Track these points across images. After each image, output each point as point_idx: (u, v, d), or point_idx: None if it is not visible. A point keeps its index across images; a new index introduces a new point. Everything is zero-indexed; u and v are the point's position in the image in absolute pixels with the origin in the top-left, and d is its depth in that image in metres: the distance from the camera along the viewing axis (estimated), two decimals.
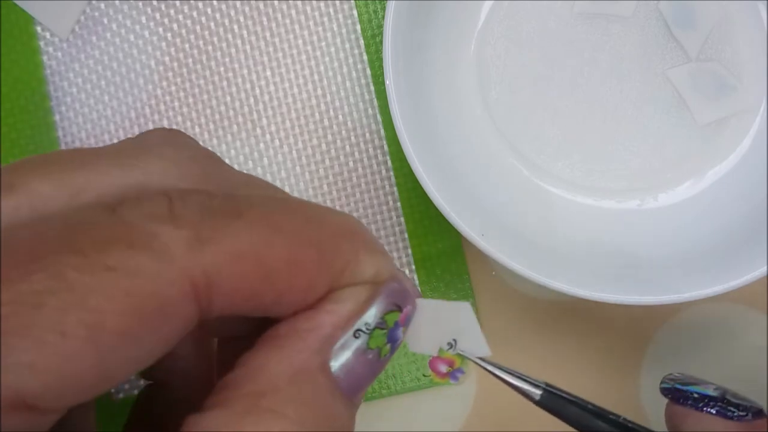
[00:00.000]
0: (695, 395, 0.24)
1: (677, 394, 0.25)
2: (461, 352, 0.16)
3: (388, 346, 0.15)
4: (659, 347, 0.34)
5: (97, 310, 0.11)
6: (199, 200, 0.13)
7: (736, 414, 0.24)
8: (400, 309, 0.15)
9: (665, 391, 0.26)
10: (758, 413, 0.24)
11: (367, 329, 0.14)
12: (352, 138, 0.34)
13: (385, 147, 0.33)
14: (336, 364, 0.14)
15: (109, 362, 0.11)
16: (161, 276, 0.12)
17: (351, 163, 0.33)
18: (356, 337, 0.14)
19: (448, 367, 0.17)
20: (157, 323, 0.12)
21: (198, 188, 0.14)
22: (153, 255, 0.12)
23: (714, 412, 0.24)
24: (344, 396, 0.14)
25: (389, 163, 0.33)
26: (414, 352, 0.18)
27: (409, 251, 0.33)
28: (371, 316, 0.14)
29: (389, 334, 0.15)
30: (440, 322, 0.16)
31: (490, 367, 0.19)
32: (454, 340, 0.16)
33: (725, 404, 0.24)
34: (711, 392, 0.24)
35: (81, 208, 0.13)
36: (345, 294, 0.14)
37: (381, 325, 0.15)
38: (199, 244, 0.12)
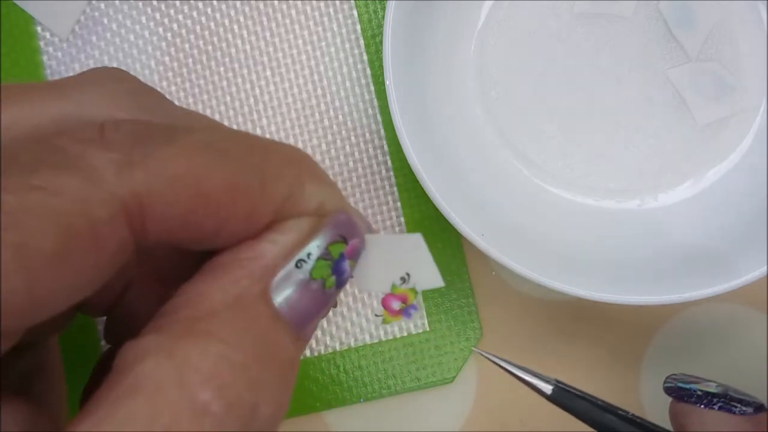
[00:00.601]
0: (699, 393, 0.25)
1: (681, 392, 0.25)
2: (416, 286, 0.16)
3: (333, 278, 0.14)
4: (659, 347, 0.34)
5: (21, 229, 0.11)
6: (133, 126, 0.13)
7: (738, 409, 0.24)
8: (345, 241, 0.15)
9: (669, 391, 0.26)
10: (759, 408, 0.24)
11: (310, 259, 0.14)
12: (352, 138, 0.34)
13: (385, 147, 0.33)
14: (279, 296, 0.14)
15: (40, 285, 0.11)
16: (89, 196, 0.12)
17: (351, 163, 0.33)
18: (298, 267, 0.14)
19: (402, 303, 0.16)
20: (87, 245, 0.12)
21: (136, 119, 0.14)
22: (80, 175, 0.12)
23: (717, 408, 0.24)
24: (289, 327, 0.14)
25: (389, 163, 0.33)
26: (364, 290, 0.17)
27: None
28: (314, 246, 0.14)
29: (334, 265, 0.14)
30: (391, 258, 0.16)
31: (503, 363, 0.19)
32: (408, 274, 0.16)
33: (728, 400, 0.24)
34: (713, 389, 0.25)
35: (14, 138, 0.13)
36: (288, 225, 0.14)
37: (325, 255, 0.14)
38: (128, 166, 0.12)
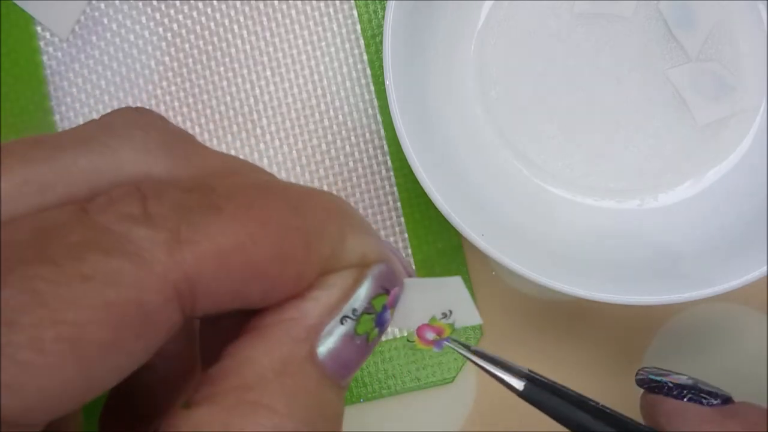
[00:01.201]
0: (670, 384, 0.25)
1: (652, 384, 0.26)
2: (455, 323, 0.16)
3: (377, 330, 0.14)
4: (659, 347, 0.34)
5: (75, 323, 0.11)
6: (175, 196, 0.12)
7: (707, 401, 0.25)
8: (387, 292, 0.15)
9: (640, 382, 0.26)
10: (727, 400, 0.25)
11: (354, 315, 0.14)
12: (352, 138, 0.34)
13: (385, 147, 0.33)
14: (323, 349, 0.14)
15: (92, 374, 0.11)
16: (141, 283, 0.11)
17: (351, 163, 0.33)
18: (343, 324, 0.14)
19: (436, 335, 0.16)
20: (140, 330, 0.12)
21: (172, 178, 0.14)
22: (131, 261, 0.11)
23: (687, 399, 0.25)
24: (333, 382, 0.14)
25: (389, 163, 0.33)
26: (400, 327, 0.17)
27: (409, 251, 0.33)
28: (358, 301, 0.14)
29: (377, 318, 0.14)
30: (430, 299, 0.16)
31: (473, 358, 0.19)
32: (450, 311, 0.16)
33: (697, 392, 0.25)
34: (684, 382, 0.26)
35: (50, 208, 0.12)
36: (331, 280, 0.14)
37: (369, 310, 0.14)
38: (178, 246, 0.12)
